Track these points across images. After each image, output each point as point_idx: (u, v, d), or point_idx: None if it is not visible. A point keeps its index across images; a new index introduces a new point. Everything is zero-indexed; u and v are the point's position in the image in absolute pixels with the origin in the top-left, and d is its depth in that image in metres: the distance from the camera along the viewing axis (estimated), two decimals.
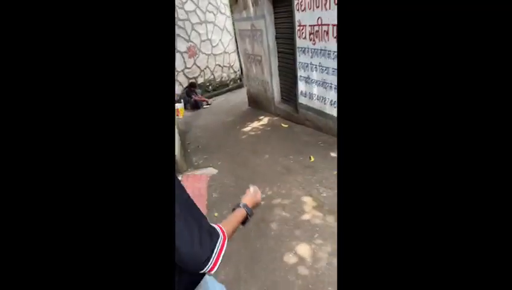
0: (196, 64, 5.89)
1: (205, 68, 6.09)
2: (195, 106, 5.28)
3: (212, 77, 6.30)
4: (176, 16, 5.22)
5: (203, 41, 5.87)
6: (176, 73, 5.52)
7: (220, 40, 6.16)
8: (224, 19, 6.06)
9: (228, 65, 6.52)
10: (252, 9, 3.67)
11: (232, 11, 4.23)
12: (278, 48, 3.57)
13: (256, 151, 3.04)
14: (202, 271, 0.58)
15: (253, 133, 3.60)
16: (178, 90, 5.62)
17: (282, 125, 3.65)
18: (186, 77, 5.76)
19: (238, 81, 6.68)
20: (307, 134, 3.22)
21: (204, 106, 5.37)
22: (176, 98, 5.54)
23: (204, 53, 5.97)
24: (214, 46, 6.09)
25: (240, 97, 5.45)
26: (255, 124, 3.91)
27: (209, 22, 5.86)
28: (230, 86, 6.57)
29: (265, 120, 3.99)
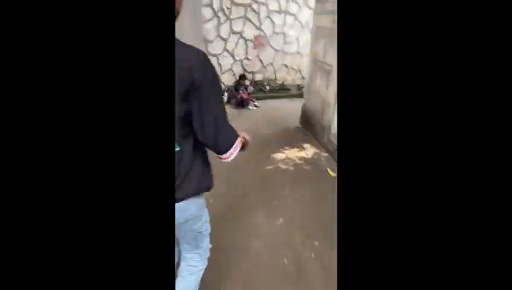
0: (259, 58, 5.03)
1: (268, 65, 5.20)
2: (241, 103, 4.45)
3: (273, 76, 5.37)
4: None
5: (276, 33, 4.97)
6: (232, 61, 4.77)
7: (297, 38, 5.16)
8: (309, 15, 5.02)
9: (297, 68, 5.49)
10: None
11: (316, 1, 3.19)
12: None
13: (269, 202, 2.01)
14: (225, 153, 0.76)
15: (284, 167, 2.55)
16: (230, 81, 4.87)
17: (329, 171, 2.50)
18: (244, 68, 4.97)
19: (302, 88, 5.60)
20: None
21: (250, 107, 4.49)
22: (224, 88, 4.80)
23: (273, 48, 5.07)
24: (287, 43, 5.13)
25: (295, 109, 4.37)
26: (294, 152, 2.84)
27: (290, 14, 4.91)
28: (290, 92, 5.53)
29: (309, 152, 2.89)
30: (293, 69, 5.46)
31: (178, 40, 0.62)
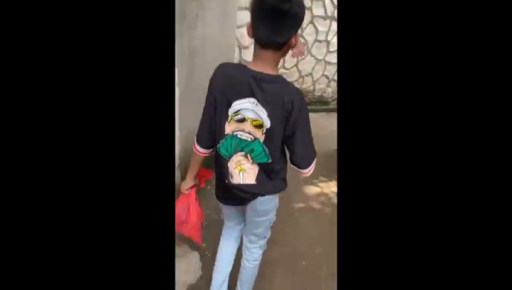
0: (297, 67, 4.59)
1: (307, 75, 4.72)
2: None
3: (311, 88, 4.88)
4: None
5: (319, 41, 4.48)
6: None
7: None
8: None
9: None
10: None
11: None
12: None
13: (295, 262, 1.55)
14: (306, 168, 0.95)
15: (318, 206, 2.08)
16: None
17: None
18: None
19: None
20: None
21: None
22: None
23: (315, 56, 4.59)
24: (331, 52, 4.62)
25: (334, 125, 3.83)
26: (331, 186, 2.35)
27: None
28: (330, 105, 5.00)
29: None
30: (334, 80, 4.91)
31: (282, 77, 0.87)
